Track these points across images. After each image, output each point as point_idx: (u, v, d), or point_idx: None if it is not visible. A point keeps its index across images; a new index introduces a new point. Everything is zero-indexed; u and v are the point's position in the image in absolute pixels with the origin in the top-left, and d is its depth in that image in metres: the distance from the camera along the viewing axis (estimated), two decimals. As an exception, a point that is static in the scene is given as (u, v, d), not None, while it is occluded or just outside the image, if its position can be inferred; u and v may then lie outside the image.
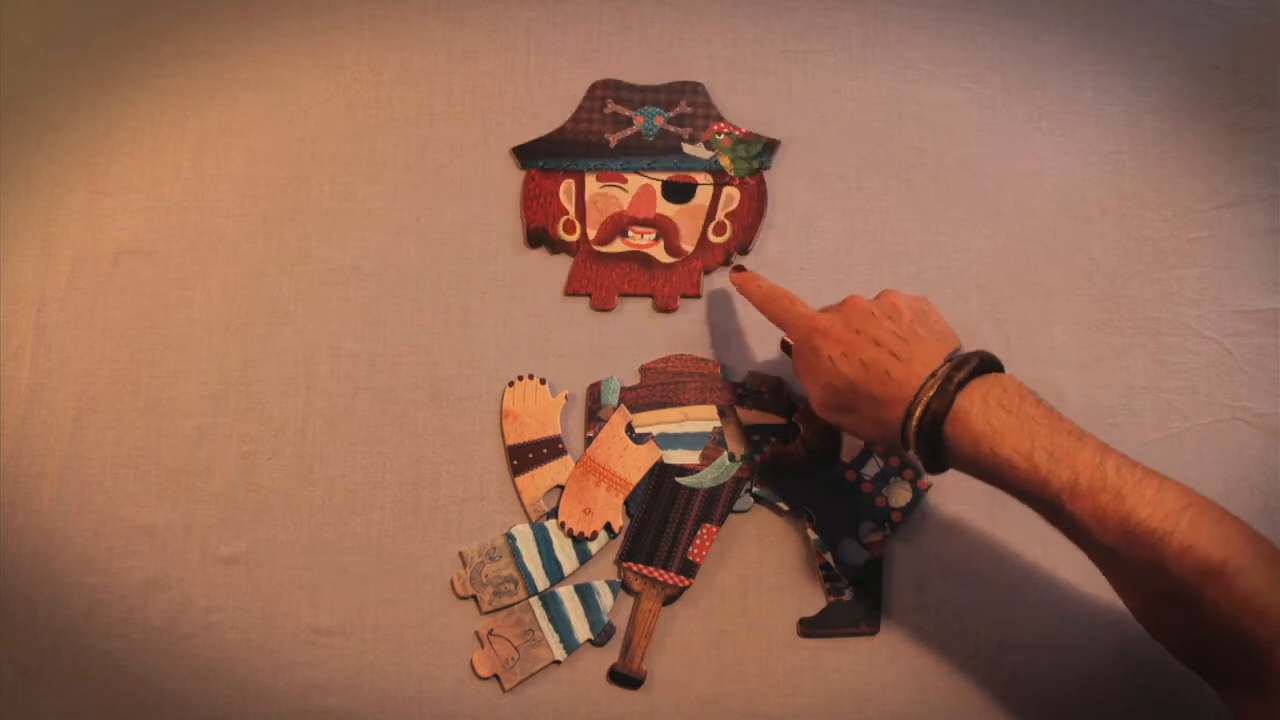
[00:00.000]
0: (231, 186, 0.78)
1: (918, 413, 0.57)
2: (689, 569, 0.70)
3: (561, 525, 0.70)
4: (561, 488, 0.72)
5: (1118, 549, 0.54)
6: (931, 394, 0.57)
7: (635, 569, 0.70)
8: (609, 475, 0.71)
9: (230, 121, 0.79)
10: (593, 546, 0.71)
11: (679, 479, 0.71)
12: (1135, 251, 0.76)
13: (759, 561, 0.71)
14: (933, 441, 0.57)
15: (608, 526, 0.70)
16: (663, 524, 0.70)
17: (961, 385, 0.57)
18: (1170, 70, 0.80)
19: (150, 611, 0.70)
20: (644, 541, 0.70)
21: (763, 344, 0.75)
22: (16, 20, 0.81)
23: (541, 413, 0.73)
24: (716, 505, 0.71)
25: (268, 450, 0.73)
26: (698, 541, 0.70)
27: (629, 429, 0.72)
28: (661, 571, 0.70)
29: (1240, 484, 0.72)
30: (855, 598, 0.70)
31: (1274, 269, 0.76)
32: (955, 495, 0.72)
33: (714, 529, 0.70)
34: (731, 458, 0.71)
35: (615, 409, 0.72)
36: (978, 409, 0.56)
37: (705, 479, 0.71)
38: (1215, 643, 0.54)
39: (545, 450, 0.72)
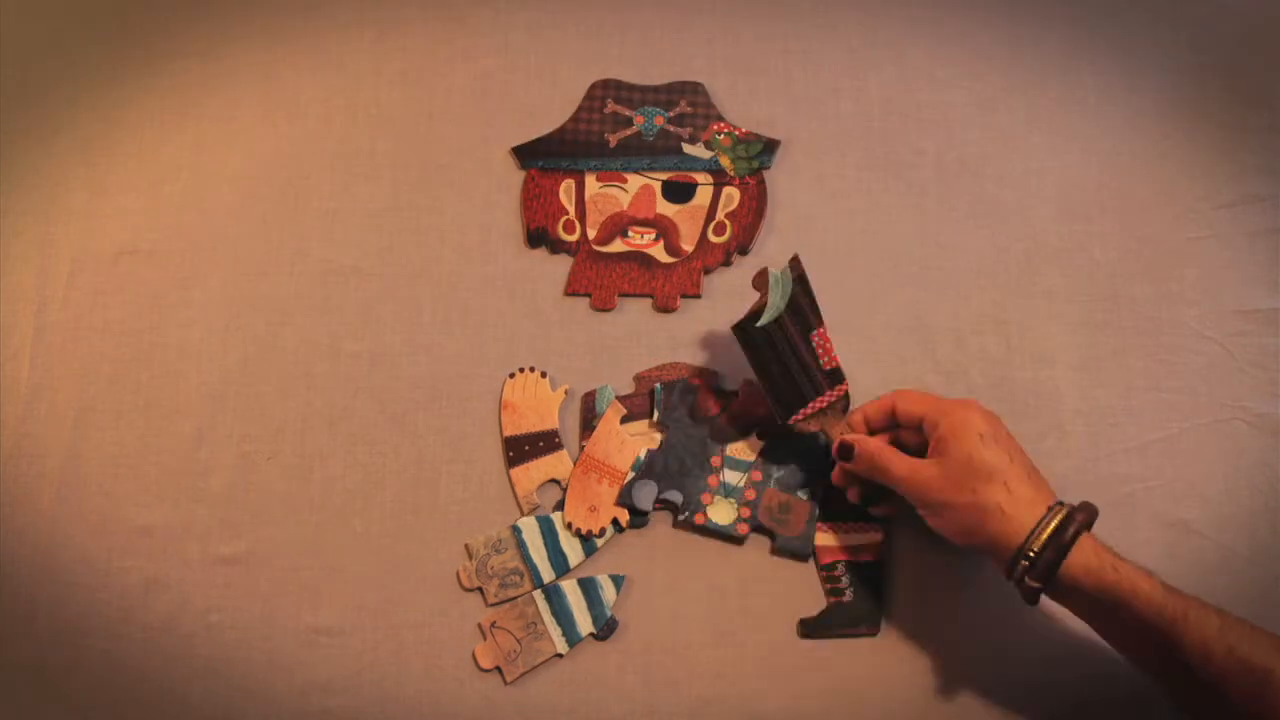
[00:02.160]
0: (231, 186, 0.78)
1: (1023, 564, 0.59)
2: (836, 376, 0.69)
3: (569, 526, 0.70)
4: (556, 481, 0.72)
5: (1222, 680, 0.56)
6: (1047, 534, 0.59)
7: (805, 415, 0.69)
8: (609, 470, 0.71)
9: (230, 121, 0.79)
10: (598, 540, 0.71)
11: (759, 324, 0.68)
12: (1135, 251, 0.77)
13: (759, 562, 0.71)
14: (1050, 570, 0.59)
15: (615, 522, 0.71)
16: (785, 367, 0.68)
17: (1077, 534, 0.59)
18: (1170, 70, 0.80)
19: (150, 611, 0.70)
20: (787, 392, 0.69)
21: (763, 344, 0.75)
22: (16, 20, 0.81)
23: (540, 406, 0.73)
24: (805, 313, 0.68)
25: (267, 450, 0.73)
26: (820, 352, 0.69)
27: (623, 422, 0.72)
28: (822, 399, 0.69)
29: (1240, 484, 0.72)
30: (855, 598, 0.70)
31: (1274, 269, 0.76)
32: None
33: (821, 329, 0.68)
34: (775, 279, 0.68)
35: None
36: (1089, 546, 0.59)
37: (776, 302, 0.68)
38: None
39: (542, 443, 0.72)
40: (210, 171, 0.78)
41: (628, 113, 0.79)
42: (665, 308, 0.75)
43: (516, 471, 0.72)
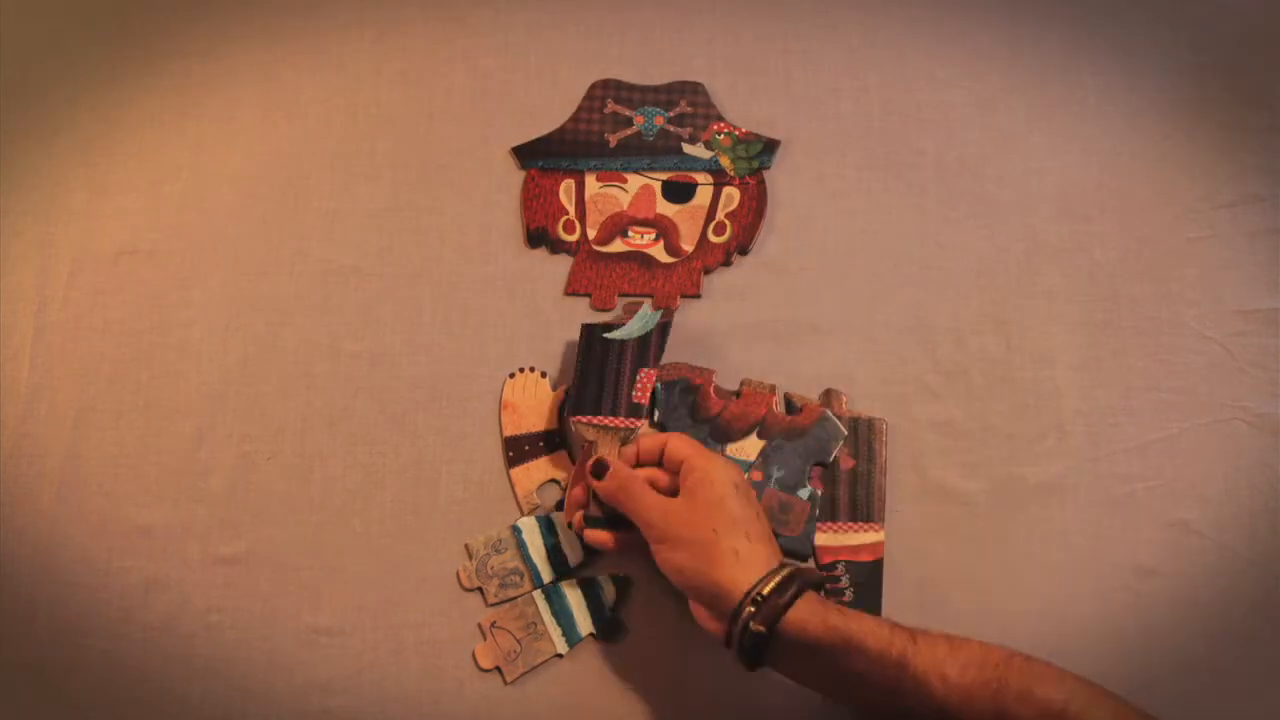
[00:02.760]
0: (231, 186, 0.78)
1: (748, 610, 0.59)
2: (637, 411, 0.70)
3: (570, 525, 0.70)
4: (556, 481, 0.72)
5: (962, 705, 0.56)
6: (775, 582, 0.59)
7: (586, 421, 0.69)
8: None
9: (230, 121, 0.79)
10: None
11: (606, 335, 0.71)
12: (1135, 251, 0.76)
13: (759, 561, 0.71)
14: (775, 615, 0.58)
15: None
16: (601, 378, 0.70)
17: (804, 586, 0.59)
18: (1170, 70, 0.80)
19: (150, 611, 0.70)
20: (588, 396, 0.70)
21: (761, 345, 0.75)
22: (16, 20, 0.81)
23: (541, 406, 0.73)
24: (648, 351, 0.71)
25: (267, 450, 0.73)
26: (637, 386, 0.70)
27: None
28: (612, 419, 0.69)
29: (1240, 484, 0.72)
30: (855, 598, 0.70)
31: (1274, 269, 0.76)
32: (953, 497, 0.72)
33: (651, 372, 0.70)
34: (652, 306, 0.72)
35: None
36: (814, 597, 0.59)
37: (632, 330, 0.71)
38: None
39: (542, 444, 0.72)
40: (210, 171, 0.78)
41: (628, 113, 0.79)
42: (665, 308, 0.75)
43: (517, 471, 0.72)
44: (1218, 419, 0.73)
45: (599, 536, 0.67)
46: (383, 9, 0.81)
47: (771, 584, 0.59)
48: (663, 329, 0.71)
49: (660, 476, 0.66)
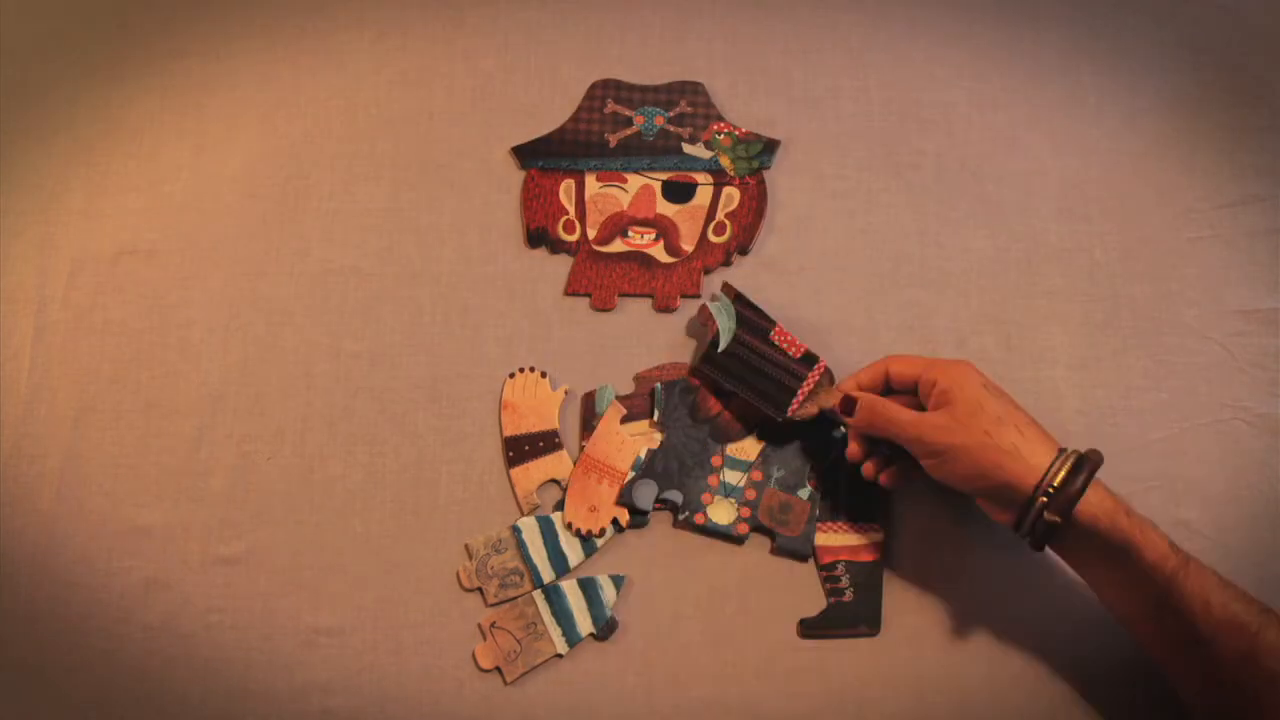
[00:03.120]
0: (231, 186, 0.78)
1: (1041, 500, 0.60)
2: (810, 360, 0.71)
3: (569, 526, 0.70)
4: (556, 481, 0.72)
5: (1216, 635, 0.57)
6: (1065, 470, 0.60)
7: (797, 404, 0.70)
8: (609, 470, 0.71)
9: (230, 121, 0.79)
10: (598, 540, 0.71)
11: (720, 352, 0.71)
12: (1135, 251, 0.77)
13: (759, 562, 0.71)
14: (1069, 504, 0.59)
15: (615, 521, 0.71)
16: (761, 373, 0.71)
17: (1095, 469, 0.60)
18: (1170, 70, 0.80)
19: (150, 611, 0.70)
20: (773, 394, 0.71)
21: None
22: (16, 20, 0.81)
23: (541, 406, 0.73)
24: (756, 321, 0.72)
25: (267, 450, 0.73)
26: (785, 346, 0.71)
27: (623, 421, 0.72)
28: (806, 384, 0.71)
29: (1240, 484, 0.72)
30: (855, 598, 0.70)
31: (1274, 269, 0.76)
32: (953, 497, 0.72)
33: (777, 328, 0.71)
34: (717, 309, 0.72)
35: None
36: (1102, 488, 0.61)
37: (728, 325, 0.72)
38: None
39: (542, 443, 0.72)
40: (210, 171, 0.78)
41: (628, 113, 0.79)
42: (665, 308, 0.75)
43: (516, 471, 0.72)
44: (1218, 419, 0.73)
45: (893, 479, 0.68)
46: (383, 9, 0.81)
47: (1061, 473, 0.60)
48: (739, 299, 0.72)
49: (899, 400, 0.67)
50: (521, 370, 0.74)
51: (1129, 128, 0.79)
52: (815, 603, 0.70)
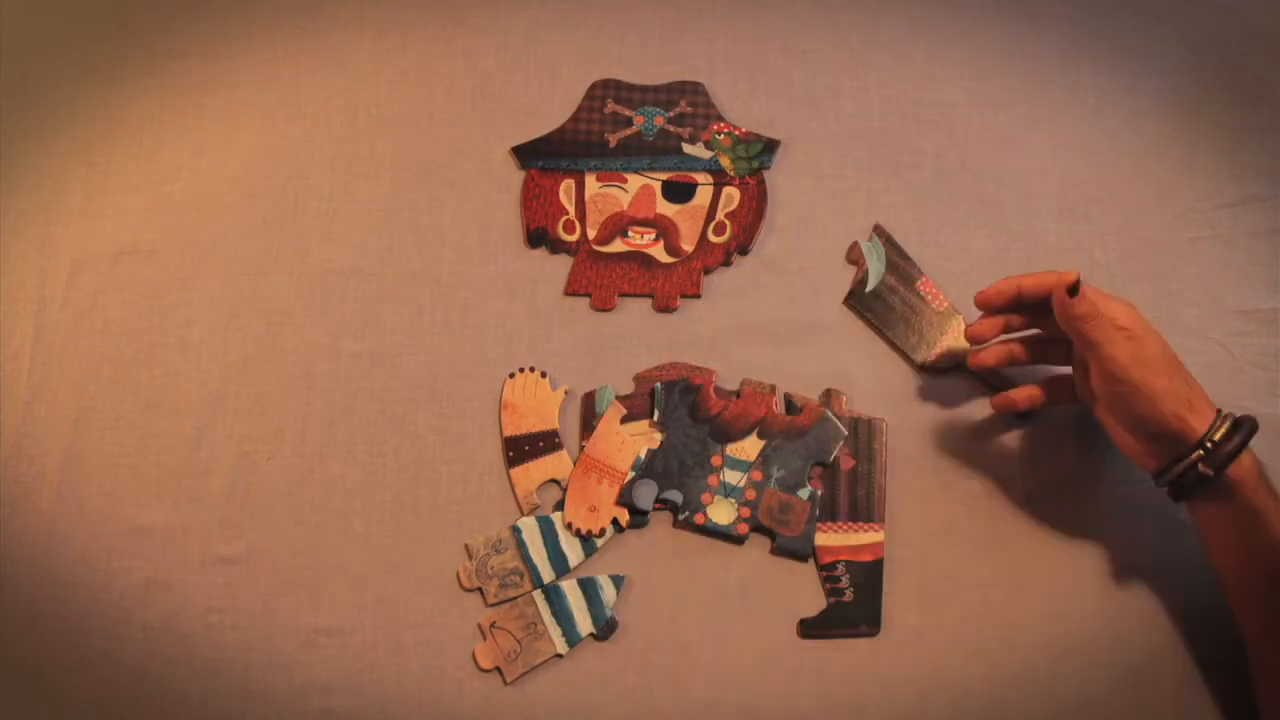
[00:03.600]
0: (231, 186, 0.78)
1: (1198, 453, 0.62)
2: (950, 315, 0.74)
3: (569, 526, 0.70)
4: (556, 481, 0.72)
5: None
6: (1226, 428, 0.62)
7: (937, 355, 0.74)
8: (609, 470, 0.71)
9: (230, 121, 0.79)
10: (598, 540, 0.71)
11: (865, 293, 0.75)
12: (1135, 251, 0.76)
13: (759, 562, 0.71)
14: (1226, 460, 0.61)
15: (615, 521, 0.71)
16: (904, 319, 0.74)
17: (1250, 437, 0.62)
18: (1170, 70, 0.80)
19: (150, 611, 0.70)
20: (912, 340, 0.74)
21: (762, 345, 0.75)
22: (16, 20, 0.81)
23: (541, 406, 0.73)
24: (903, 271, 0.75)
25: (267, 450, 0.73)
26: (929, 298, 0.74)
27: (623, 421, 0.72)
28: (946, 337, 0.74)
29: (1240, 484, 0.72)
30: (855, 598, 0.70)
31: (1274, 269, 0.76)
32: (954, 496, 0.72)
33: (924, 279, 0.75)
34: (868, 248, 0.75)
35: None
36: (1252, 456, 0.62)
37: (879, 272, 0.75)
38: None
39: (542, 443, 0.72)
40: (210, 171, 0.78)
41: (628, 113, 0.79)
42: (665, 308, 0.75)
43: (516, 471, 0.72)
44: (1218, 419, 0.73)
45: (1032, 398, 0.70)
46: (383, 9, 0.81)
47: (1222, 429, 0.62)
48: (890, 243, 0.75)
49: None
50: (521, 370, 0.74)
51: (1129, 128, 0.79)
52: (815, 603, 0.70)
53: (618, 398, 0.73)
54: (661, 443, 0.72)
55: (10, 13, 0.81)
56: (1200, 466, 0.61)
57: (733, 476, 0.71)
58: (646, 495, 0.71)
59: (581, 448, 0.72)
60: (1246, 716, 0.67)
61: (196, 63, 0.80)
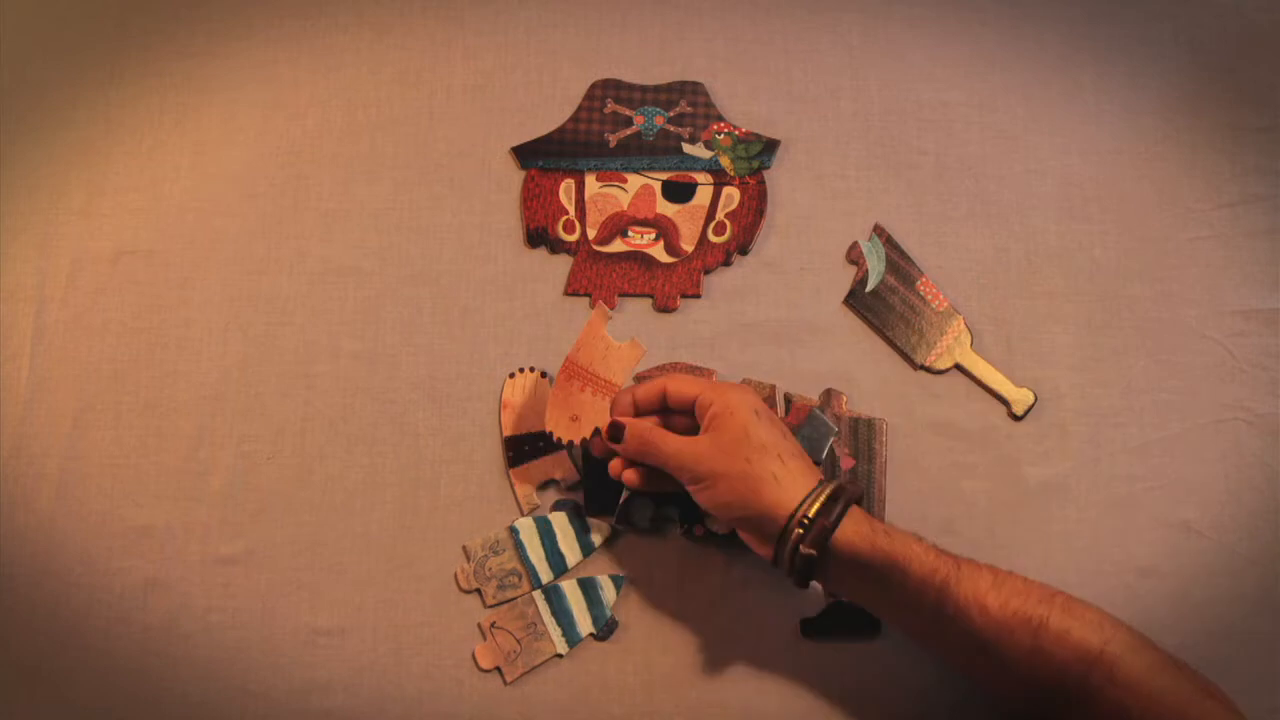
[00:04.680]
0: (231, 186, 0.78)
1: (796, 532, 0.59)
2: (949, 315, 0.75)
3: (549, 434, 0.69)
4: (555, 481, 0.72)
5: (999, 636, 0.57)
6: (821, 500, 0.59)
7: (935, 356, 0.73)
8: (594, 379, 0.70)
9: (230, 121, 0.79)
10: (595, 539, 0.71)
11: (864, 293, 0.74)
12: (1135, 251, 0.76)
13: (759, 562, 0.71)
14: (823, 535, 0.59)
15: (614, 526, 0.70)
16: (903, 319, 0.74)
17: (849, 502, 0.60)
18: (1170, 70, 0.80)
19: (150, 611, 0.70)
20: (912, 341, 0.74)
21: (762, 345, 0.75)
22: (16, 20, 0.81)
23: (540, 406, 0.73)
24: (903, 271, 0.75)
25: (267, 450, 0.73)
26: (929, 298, 0.74)
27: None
28: (946, 338, 0.74)
29: (1240, 484, 0.72)
30: (855, 598, 0.70)
31: (1274, 269, 0.76)
32: (953, 497, 0.72)
33: (924, 278, 0.75)
34: (868, 249, 0.75)
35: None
36: (860, 514, 0.61)
37: (877, 265, 0.75)
38: None
39: (542, 444, 0.72)
40: (210, 171, 0.78)
41: (628, 113, 0.79)
42: (665, 308, 0.75)
43: (516, 472, 0.72)
44: (1218, 419, 0.73)
45: (629, 476, 0.66)
46: (383, 9, 0.81)
47: (817, 504, 0.59)
48: (890, 243, 0.75)
49: (675, 421, 0.66)
50: (521, 370, 0.74)
51: (1129, 128, 0.79)
52: (815, 603, 0.70)
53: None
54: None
55: (10, 13, 0.81)
56: (802, 548, 0.58)
57: None
58: (643, 513, 0.71)
59: (584, 450, 0.72)
60: (1247, 716, 0.67)
61: (196, 63, 0.80)
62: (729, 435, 0.61)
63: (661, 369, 0.74)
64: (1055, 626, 0.56)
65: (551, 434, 0.69)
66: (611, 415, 0.67)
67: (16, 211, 0.77)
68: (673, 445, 0.63)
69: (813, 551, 0.59)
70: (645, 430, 0.65)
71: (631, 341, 0.70)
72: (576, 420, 0.69)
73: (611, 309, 0.75)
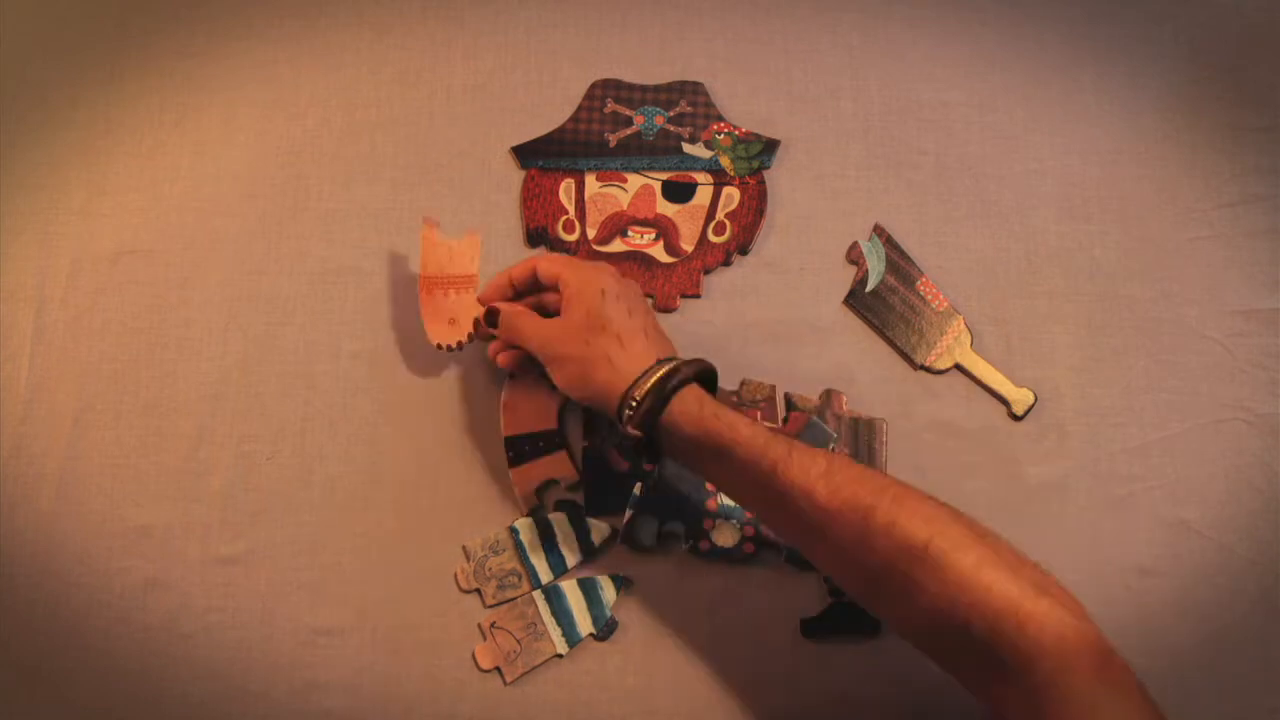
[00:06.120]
0: (231, 186, 0.78)
1: (626, 413, 0.60)
2: (950, 315, 0.75)
3: (438, 347, 0.71)
4: (556, 481, 0.72)
5: (828, 521, 0.56)
6: (650, 383, 0.60)
7: (936, 355, 0.73)
8: (452, 280, 0.72)
9: (230, 121, 0.79)
10: (595, 539, 0.71)
11: (865, 293, 0.75)
12: (1135, 251, 0.76)
13: (759, 562, 0.71)
14: (650, 417, 0.59)
15: (615, 530, 0.70)
16: (904, 319, 0.74)
17: (681, 384, 0.60)
18: (1170, 70, 0.80)
19: (150, 611, 0.70)
20: (912, 340, 0.74)
21: (762, 345, 0.75)
22: (16, 20, 0.81)
23: (540, 406, 0.73)
24: (903, 271, 0.75)
25: (267, 450, 0.73)
26: (929, 298, 0.75)
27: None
28: (946, 338, 0.74)
29: (1240, 484, 0.72)
30: (855, 598, 0.70)
31: (1274, 269, 0.76)
32: (953, 497, 0.72)
33: (924, 278, 0.75)
34: (868, 249, 0.75)
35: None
36: (692, 395, 0.60)
37: (879, 272, 0.75)
38: (939, 631, 0.54)
39: (542, 443, 0.72)
40: (210, 171, 0.78)
41: (628, 112, 0.79)
42: (665, 308, 0.75)
43: (516, 471, 0.72)
44: (1218, 419, 0.73)
45: (505, 359, 0.69)
46: (383, 9, 0.81)
47: (647, 385, 0.59)
48: (890, 243, 0.75)
49: (548, 299, 0.68)
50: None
51: (1129, 128, 0.79)
52: (816, 603, 0.70)
53: None
54: (654, 475, 0.71)
55: (10, 13, 0.81)
56: (629, 429, 0.59)
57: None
58: (649, 532, 0.71)
59: (584, 449, 0.72)
60: (1244, 713, 0.67)
61: (196, 63, 0.80)
62: (576, 316, 0.63)
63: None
64: (883, 519, 0.55)
65: (440, 345, 0.71)
66: (485, 299, 0.69)
67: (16, 211, 0.77)
68: (529, 327, 0.65)
69: (637, 433, 0.59)
70: (513, 314, 0.67)
71: (468, 234, 0.73)
72: (454, 322, 0.71)
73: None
